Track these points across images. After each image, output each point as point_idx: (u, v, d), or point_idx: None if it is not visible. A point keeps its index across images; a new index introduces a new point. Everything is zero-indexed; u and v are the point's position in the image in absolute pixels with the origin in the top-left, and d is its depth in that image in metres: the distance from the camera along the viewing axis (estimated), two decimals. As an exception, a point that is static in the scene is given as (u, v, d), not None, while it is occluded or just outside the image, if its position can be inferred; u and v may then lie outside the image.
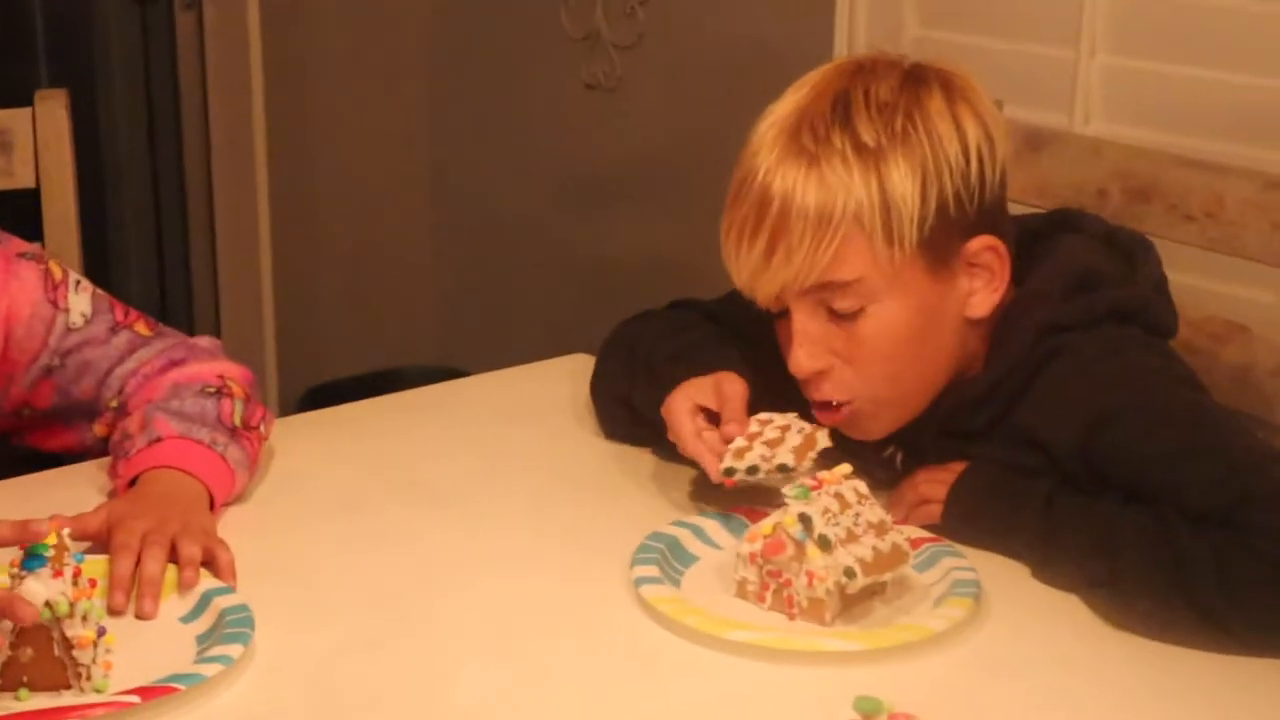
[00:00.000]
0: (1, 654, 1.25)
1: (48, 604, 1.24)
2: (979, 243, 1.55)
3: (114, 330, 1.69)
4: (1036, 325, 1.56)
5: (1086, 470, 1.49)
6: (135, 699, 1.23)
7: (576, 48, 3.01)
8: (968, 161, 1.52)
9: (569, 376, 1.97)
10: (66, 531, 1.32)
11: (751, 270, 1.55)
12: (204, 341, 1.74)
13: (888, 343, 1.54)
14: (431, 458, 1.79)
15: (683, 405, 1.59)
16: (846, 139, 1.51)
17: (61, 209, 1.95)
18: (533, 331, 2.91)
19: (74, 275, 1.72)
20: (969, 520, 1.53)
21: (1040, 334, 1.56)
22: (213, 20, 3.27)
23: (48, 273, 1.68)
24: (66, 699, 1.25)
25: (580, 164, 3.06)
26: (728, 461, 1.52)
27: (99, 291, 1.72)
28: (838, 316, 1.52)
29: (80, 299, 1.69)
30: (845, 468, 1.45)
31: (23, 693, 1.25)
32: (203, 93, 3.32)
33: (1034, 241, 1.64)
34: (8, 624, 1.25)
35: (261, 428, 1.66)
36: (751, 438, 1.52)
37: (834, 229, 1.49)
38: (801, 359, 1.53)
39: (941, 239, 1.53)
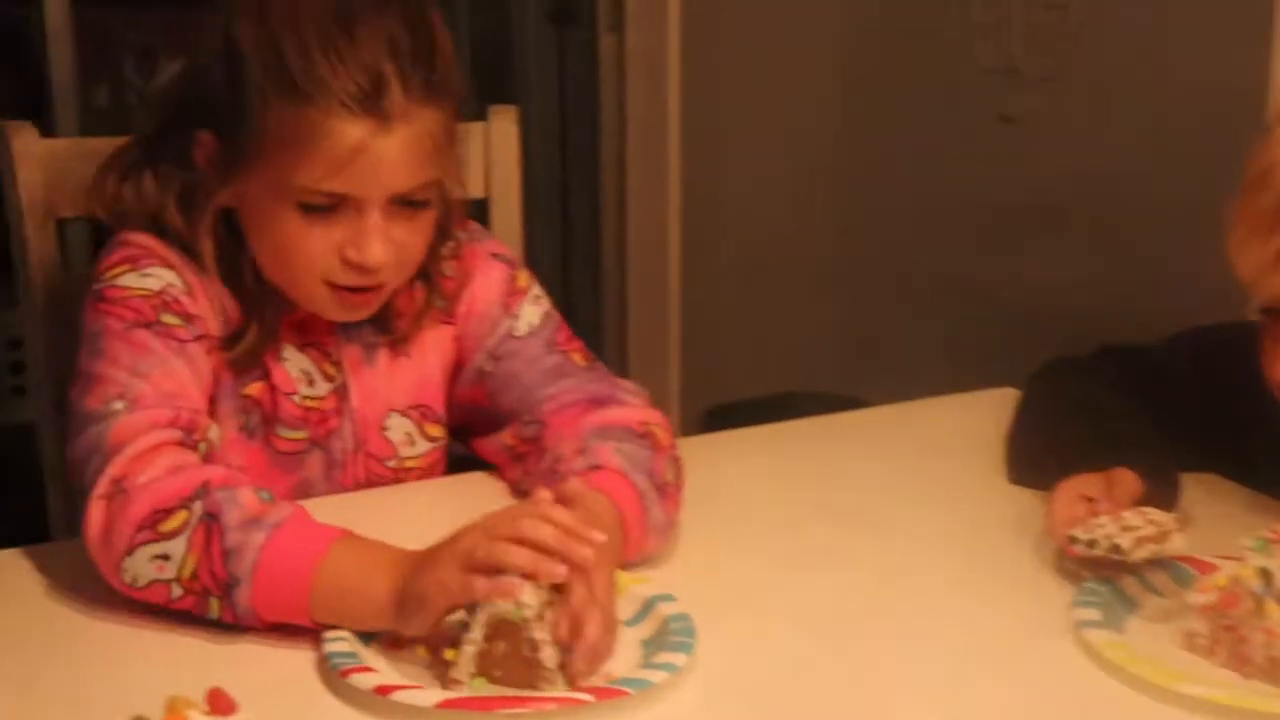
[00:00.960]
0: (477, 645, 1.30)
1: (518, 604, 1.29)
2: None
3: (549, 350, 1.72)
4: None
5: None
6: (589, 697, 1.27)
7: (990, 80, 3.00)
8: None
9: (991, 409, 1.95)
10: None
11: (1260, 265, 1.50)
12: (629, 385, 1.73)
13: None
14: (853, 484, 1.79)
15: (1069, 493, 1.56)
16: None
17: (508, 221, 2.01)
18: (933, 365, 2.89)
19: (537, 290, 1.76)
20: None
21: None
22: (635, 44, 3.33)
23: (513, 279, 1.74)
24: (540, 693, 1.29)
25: (991, 198, 3.03)
26: (1075, 530, 1.49)
27: (554, 312, 1.76)
28: None
29: (532, 311, 1.73)
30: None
31: (477, 682, 1.29)
32: (621, 116, 3.38)
33: None
34: (488, 614, 1.29)
35: (680, 492, 1.64)
36: (1115, 519, 1.48)
37: None
38: None
39: None
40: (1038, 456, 1.72)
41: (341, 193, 1.52)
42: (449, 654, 1.32)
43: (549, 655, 1.30)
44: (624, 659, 1.36)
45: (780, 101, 3.41)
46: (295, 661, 1.36)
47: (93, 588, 1.44)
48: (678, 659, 1.33)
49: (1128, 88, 2.76)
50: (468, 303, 1.72)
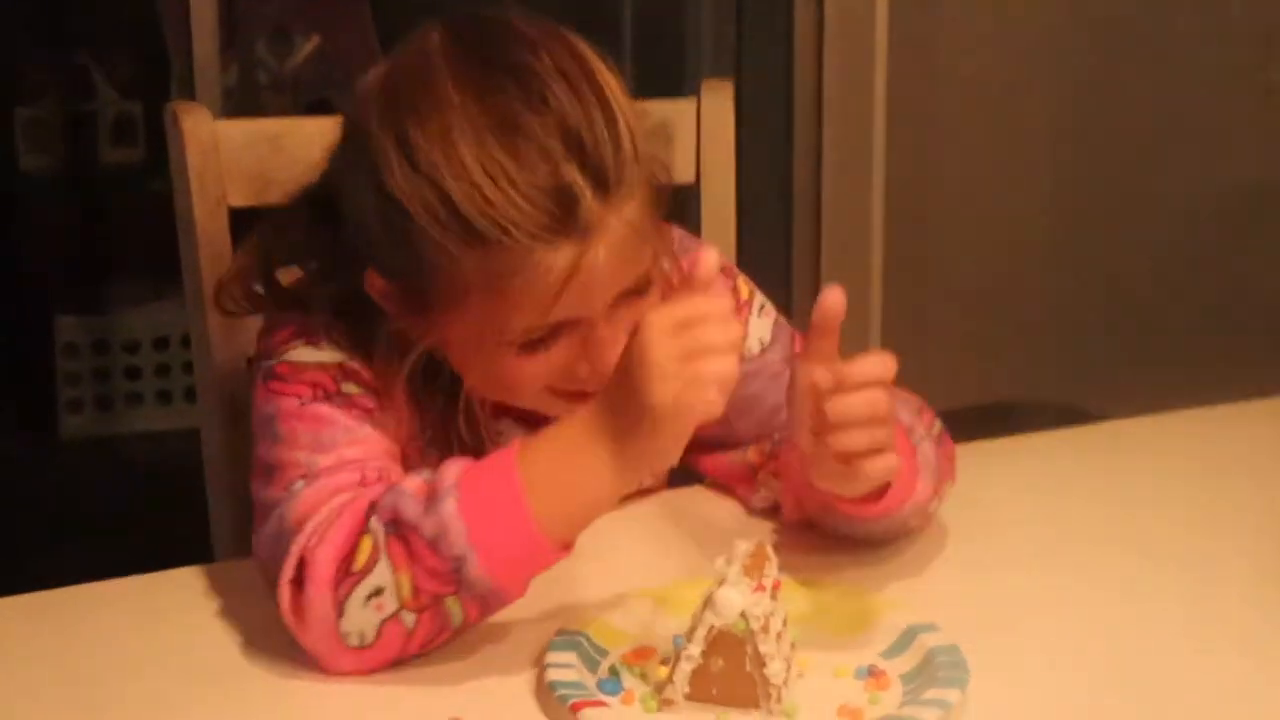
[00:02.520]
0: (693, 661, 1.32)
1: (743, 615, 1.30)
2: None
3: (788, 364, 1.68)
4: None
5: None
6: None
7: (1254, 45, 2.98)
8: None
9: (1272, 419, 1.97)
10: (769, 546, 1.38)
11: None
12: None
13: None
14: (1122, 503, 1.79)
15: None
16: None
17: (721, 206, 1.99)
18: (1171, 372, 2.88)
19: (760, 297, 1.75)
20: None
21: None
22: (833, 13, 3.34)
23: (735, 291, 1.73)
24: None
25: (1252, 181, 3.02)
26: None
27: (781, 320, 1.75)
28: None
29: (762, 324, 1.73)
30: None
31: (720, 718, 1.31)
32: (817, 95, 3.42)
33: None
34: (703, 630, 1.31)
35: (953, 457, 1.66)
36: None
37: None
38: None
39: None
40: None
41: (561, 321, 1.48)
42: (661, 671, 1.35)
43: (776, 671, 1.31)
44: (889, 697, 1.36)
45: (1002, 69, 3.42)
46: (517, 691, 1.38)
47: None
48: (951, 694, 1.33)
49: None
50: None
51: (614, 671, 1.40)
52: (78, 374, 4.21)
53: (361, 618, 1.39)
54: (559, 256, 1.43)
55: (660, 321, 1.33)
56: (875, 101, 3.37)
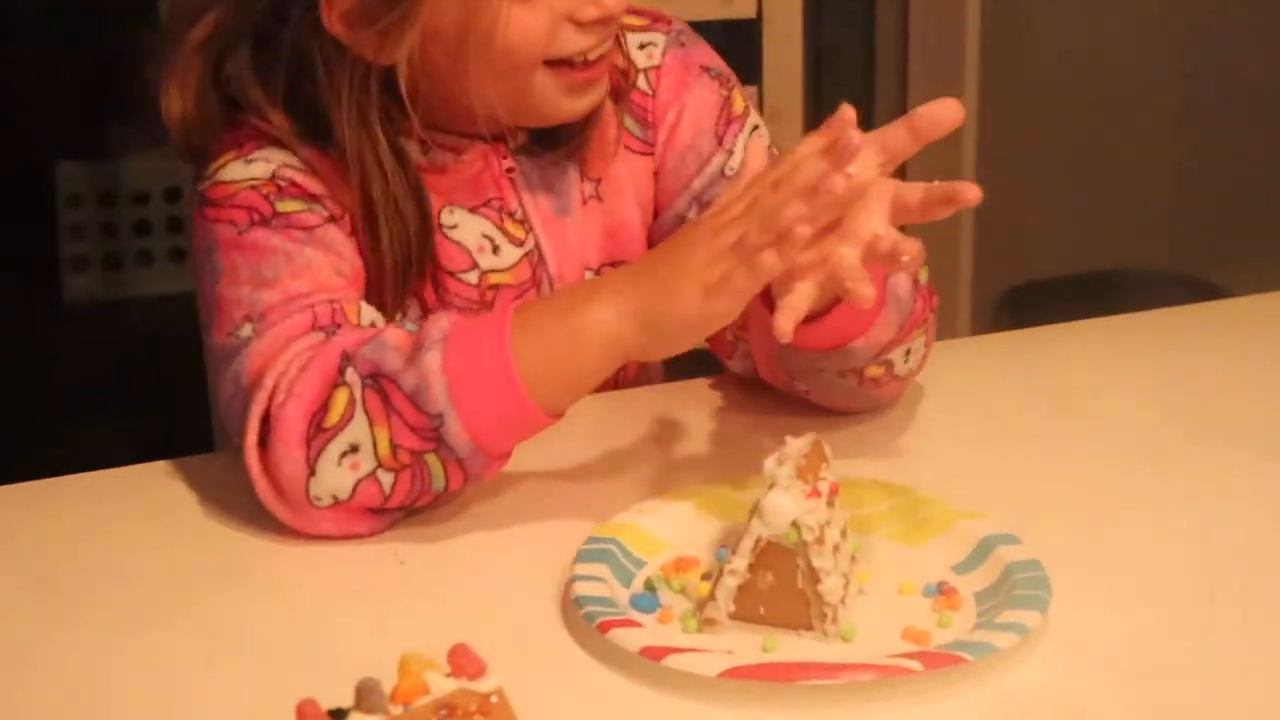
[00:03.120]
0: (738, 577, 1.31)
1: (795, 525, 1.29)
2: None
3: None
4: None
5: None
6: (917, 665, 1.25)
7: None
8: None
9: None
10: (826, 443, 1.38)
11: None
12: None
13: None
14: (1232, 393, 1.78)
15: None
16: None
17: (785, 43, 1.97)
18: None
19: (756, 117, 1.75)
20: None
21: None
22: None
23: (728, 101, 1.74)
24: (812, 647, 1.29)
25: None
26: None
27: (772, 150, 1.68)
28: None
29: (751, 144, 1.72)
30: None
31: (768, 641, 1.30)
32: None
33: None
34: (751, 542, 1.30)
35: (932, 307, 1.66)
36: None
37: None
38: None
39: None
40: None
41: None
42: (702, 587, 1.35)
43: (831, 588, 1.30)
44: (960, 619, 1.35)
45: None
46: (539, 607, 1.38)
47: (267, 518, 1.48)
48: (1029, 618, 1.31)
49: None
50: (670, 128, 1.72)
51: (650, 585, 1.39)
52: (81, 227, 4.22)
53: (335, 478, 1.42)
54: None
55: (714, 218, 1.38)
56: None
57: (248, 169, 1.58)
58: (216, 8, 1.60)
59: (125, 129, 4.20)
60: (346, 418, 1.42)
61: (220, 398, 1.49)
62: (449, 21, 1.53)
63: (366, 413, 1.41)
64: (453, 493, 1.46)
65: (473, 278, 1.67)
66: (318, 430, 1.42)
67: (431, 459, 1.42)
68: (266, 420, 1.43)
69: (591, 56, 1.59)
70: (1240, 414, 1.72)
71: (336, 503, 1.43)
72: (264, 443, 1.43)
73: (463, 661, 1.05)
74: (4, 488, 1.55)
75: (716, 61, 1.76)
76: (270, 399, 1.43)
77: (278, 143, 1.60)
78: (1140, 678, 1.30)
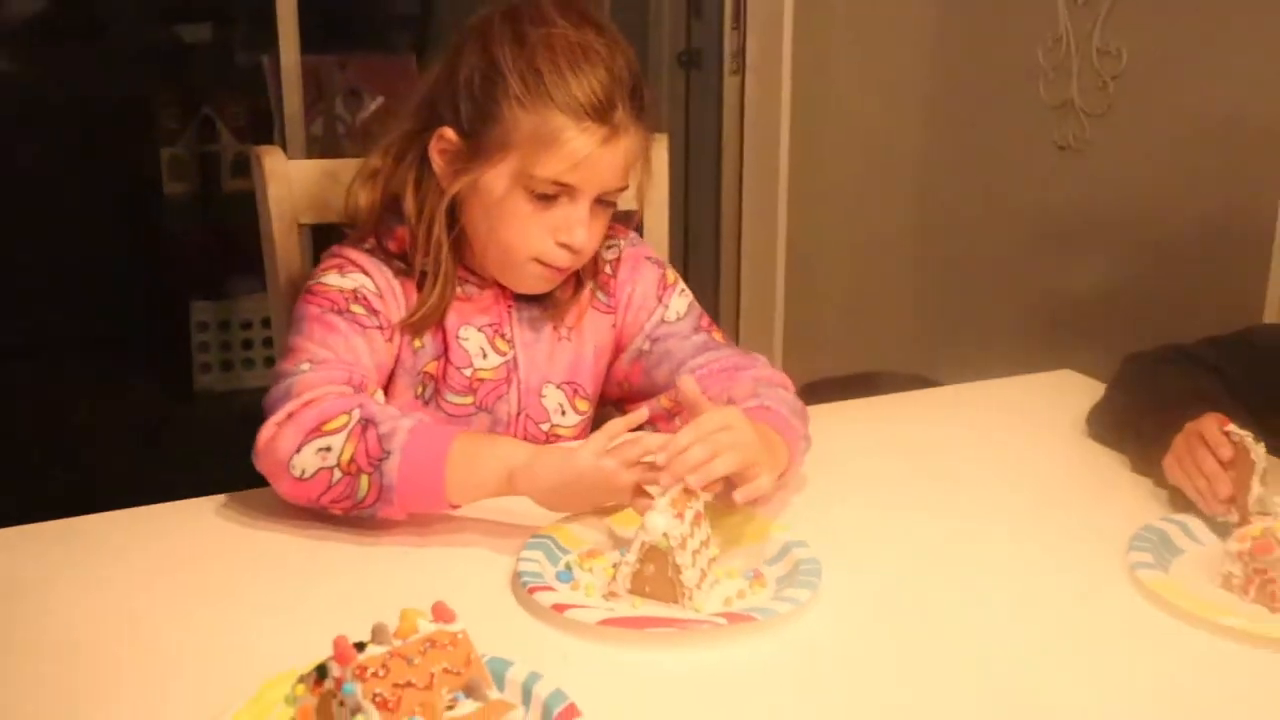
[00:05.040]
0: (630, 566, 1.32)
1: (665, 534, 1.30)
2: None
3: (695, 331, 1.73)
4: None
5: None
6: (723, 621, 1.28)
7: (1051, 114, 2.97)
8: None
9: (1055, 389, 1.94)
10: (694, 482, 1.36)
11: None
12: (757, 355, 1.74)
13: None
14: (941, 451, 1.77)
15: (1212, 431, 1.51)
16: None
17: (658, 229, 1.99)
18: (995, 351, 2.86)
19: (682, 285, 1.77)
20: None
21: None
22: (753, 86, 3.33)
23: (664, 276, 1.75)
24: (667, 611, 1.31)
25: (1049, 205, 3.02)
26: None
27: (694, 302, 1.77)
28: None
29: (680, 301, 1.75)
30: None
31: (636, 600, 1.32)
32: (739, 144, 3.39)
33: None
34: (641, 542, 1.31)
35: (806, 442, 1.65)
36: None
37: None
38: None
39: None
40: (1131, 414, 1.69)
41: (569, 184, 1.55)
42: (609, 571, 1.36)
43: (689, 577, 1.32)
44: (759, 593, 1.37)
45: (872, 132, 3.40)
46: (493, 579, 1.38)
47: (318, 525, 1.47)
48: (802, 595, 1.32)
49: (1163, 122, 2.74)
50: (628, 296, 1.73)
51: (569, 566, 1.40)
52: (207, 344, 4.21)
53: (309, 460, 1.43)
54: (587, 137, 1.52)
55: (595, 444, 1.41)
56: (780, 153, 3.38)
57: (341, 280, 1.59)
58: (389, 147, 1.63)
59: (236, 279, 4.20)
60: (336, 430, 1.42)
61: (269, 398, 1.48)
62: (490, 187, 1.56)
63: (349, 434, 1.42)
64: (363, 508, 1.44)
65: (468, 371, 1.65)
66: (319, 430, 1.43)
67: (364, 479, 1.42)
68: (293, 413, 1.44)
69: (563, 266, 1.62)
70: (946, 464, 1.72)
71: (300, 476, 1.43)
72: (282, 425, 1.44)
73: (441, 612, 1.07)
74: (141, 508, 1.53)
75: (653, 254, 1.78)
76: (302, 406, 1.44)
77: (364, 271, 1.60)
78: (881, 637, 1.31)
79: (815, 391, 2.42)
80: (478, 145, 1.55)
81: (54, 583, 1.35)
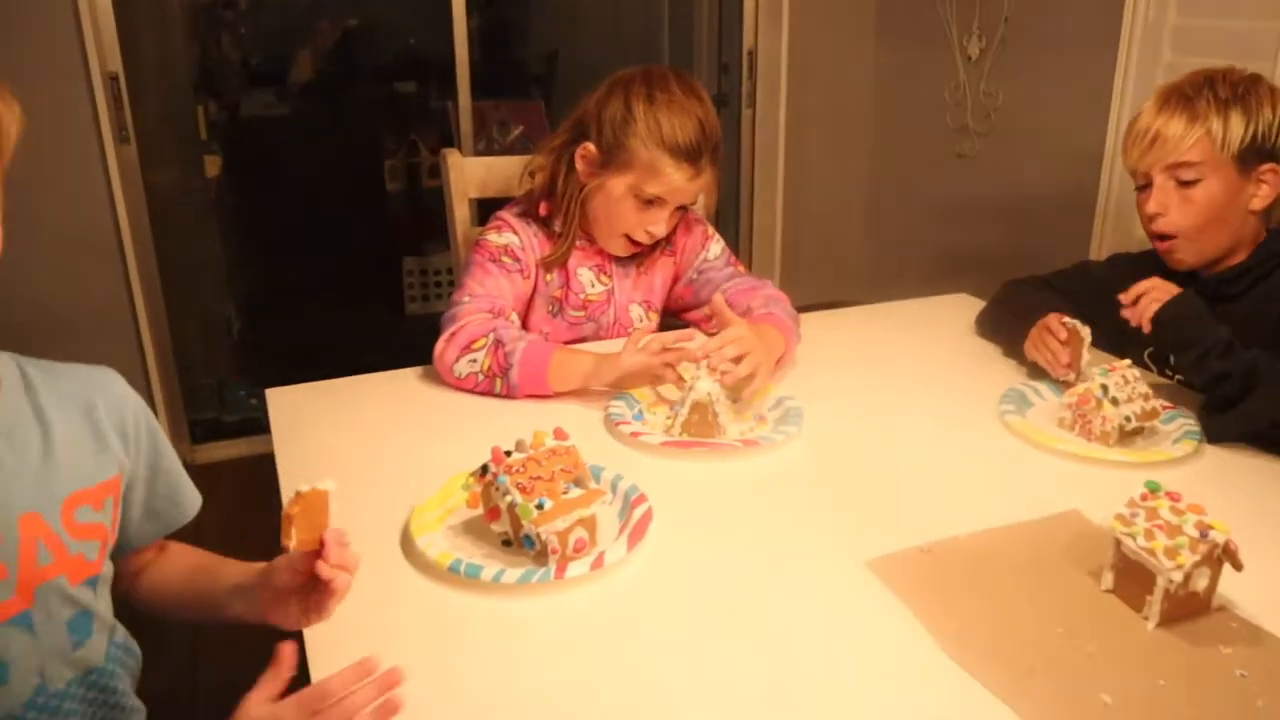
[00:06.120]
0: (684, 415, 1.31)
1: (709, 393, 1.30)
2: (1267, 167, 1.41)
3: (726, 265, 1.69)
4: None
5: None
6: (740, 444, 1.28)
7: (953, 134, 2.92)
8: (1271, 125, 1.39)
9: (954, 305, 1.90)
10: (717, 353, 1.35)
11: (1129, 164, 1.46)
12: (769, 282, 1.69)
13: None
14: (872, 341, 1.72)
15: (1054, 323, 1.49)
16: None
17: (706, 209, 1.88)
18: (922, 283, 2.84)
19: (716, 235, 1.72)
20: (1174, 318, 1.34)
21: None
22: (760, 116, 3.29)
23: (705, 231, 1.71)
24: (715, 440, 1.29)
25: (951, 194, 2.97)
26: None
27: (726, 247, 1.72)
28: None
29: (715, 246, 1.71)
30: (1128, 361, 1.36)
31: (685, 435, 1.31)
32: (752, 154, 3.35)
33: None
34: (691, 399, 1.30)
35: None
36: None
37: None
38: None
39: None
40: (1003, 317, 1.65)
41: (662, 198, 1.52)
42: (668, 421, 1.34)
43: (724, 420, 1.31)
44: (763, 429, 1.35)
45: (837, 145, 3.34)
46: (593, 417, 1.37)
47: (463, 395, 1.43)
48: (790, 429, 1.32)
49: (1026, 140, 2.69)
50: (683, 245, 1.70)
51: (641, 411, 1.39)
52: (413, 284, 4.21)
53: (464, 367, 1.42)
54: (680, 174, 1.50)
55: (629, 348, 1.38)
56: (778, 159, 3.34)
57: (499, 238, 1.56)
58: (550, 150, 1.58)
59: (431, 244, 4.19)
60: (480, 349, 1.41)
61: (445, 317, 1.46)
62: (612, 189, 1.53)
63: (488, 350, 1.40)
64: (501, 395, 1.41)
65: (582, 296, 1.62)
66: (468, 348, 1.41)
67: (498, 381, 1.40)
68: (455, 334, 1.43)
69: (644, 244, 1.60)
70: (876, 350, 1.66)
71: (459, 376, 1.42)
72: (449, 342, 1.43)
73: (559, 433, 1.08)
74: (378, 374, 1.51)
75: (699, 217, 1.71)
76: (460, 329, 1.43)
77: (514, 230, 1.57)
78: (843, 454, 1.29)
79: (804, 310, 2.37)
80: (609, 160, 1.52)
81: (317, 422, 1.36)
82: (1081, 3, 2.43)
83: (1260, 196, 1.41)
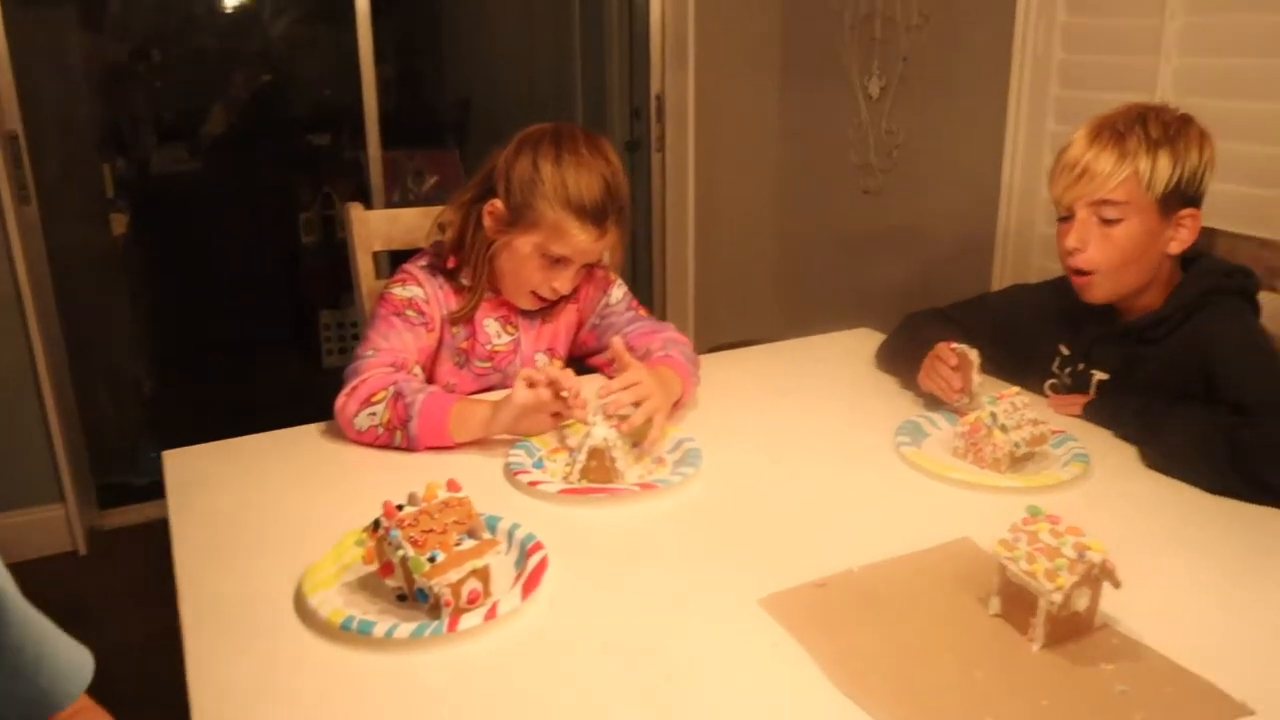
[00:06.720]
0: (581, 462, 1.31)
1: (605, 439, 1.30)
2: (1187, 212, 1.43)
3: (628, 309, 1.70)
4: (1202, 286, 1.44)
5: (1203, 376, 1.36)
6: (637, 489, 1.28)
7: (857, 171, 2.98)
8: (1196, 170, 1.42)
9: (856, 339, 1.93)
10: (612, 398, 1.36)
11: (1055, 193, 1.47)
12: (670, 324, 1.70)
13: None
14: (780, 375, 1.75)
15: (944, 350, 1.52)
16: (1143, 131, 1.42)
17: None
18: (827, 317, 2.89)
19: (618, 280, 1.73)
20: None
21: (1204, 290, 1.43)
22: (670, 159, 3.33)
23: (607, 276, 1.71)
24: (613, 485, 1.30)
25: (857, 230, 3.03)
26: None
27: (628, 291, 1.73)
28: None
29: (617, 292, 1.72)
30: (1016, 389, 1.40)
31: (584, 481, 1.31)
32: (663, 197, 3.38)
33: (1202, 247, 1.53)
34: (589, 445, 1.30)
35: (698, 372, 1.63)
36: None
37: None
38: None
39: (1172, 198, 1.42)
40: (900, 351, 1.68)
41: (567, 257, 1.53)
42: (566, 468, 1.34)
43: (621, 465, 1.31)
44: (661, 471, 1.35)
45: (746, 184, 3.38)
46: (494, 467, 1.36)
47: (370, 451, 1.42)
48: (689, 470, 1.33)
49: (927, 175, 2.75)
50: (585, 293, 1.70)
51: (541, 460, 1.38)
52: (330, 337, 4.18)
53: (363, 419, 1.41)
54: (586, 234, 1.50)
55: (529, 377, 1.37)
56: (688, 200, 3.37)
57: (402, 290, 1.55)
58: (459, 205, 1.58)
59: (347, 295, 4.16)
60: (379, 401, 1.40)
61: (347, 370, 1.45)
62: (519, 248, 1.53)
63: (387, 404, 1.39)
64: (400, 447, 1.40)
65: (489, 346, 1.62)
66: (368, 402, 1.40)
67: (398, 434, 1.39)
68: (356, 387, 1.42)
69: (549, 299, 1.60)
70: (784, 383, 1.69)
71: (359, 430, 1.41)
72: (349, 396, 1.42)
73: (452, 485, 1.07)
74: (283, 430, 1.49)
75: (604, 269, 1.70)
76: (361, 383, 1.42)
77: (419, 283, 1.56)
78: (742, 494, 1.30)
79: (721, 350, 2.38)
80: (516, 219, 1.52)
81: (215, 483, 1.34)
82: (974, 41, 2.51)
83: (1178, 240, 1.43)
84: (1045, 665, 0.96)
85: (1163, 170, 1.39)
